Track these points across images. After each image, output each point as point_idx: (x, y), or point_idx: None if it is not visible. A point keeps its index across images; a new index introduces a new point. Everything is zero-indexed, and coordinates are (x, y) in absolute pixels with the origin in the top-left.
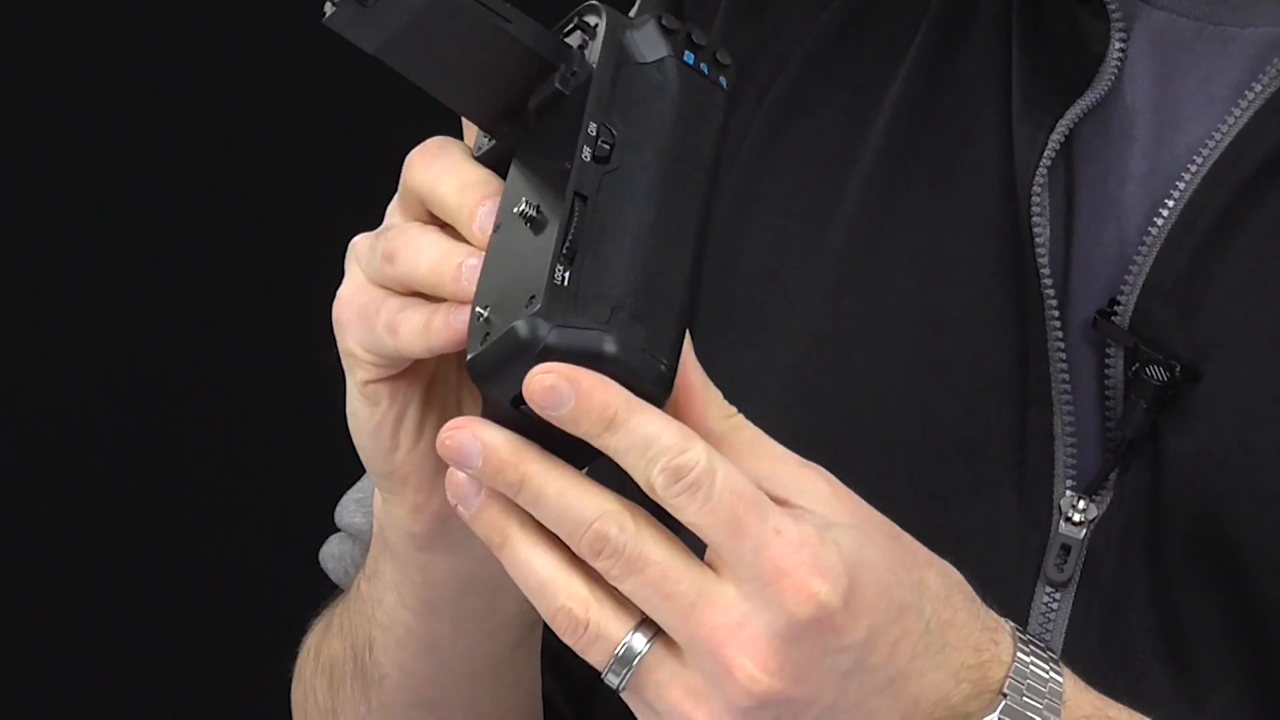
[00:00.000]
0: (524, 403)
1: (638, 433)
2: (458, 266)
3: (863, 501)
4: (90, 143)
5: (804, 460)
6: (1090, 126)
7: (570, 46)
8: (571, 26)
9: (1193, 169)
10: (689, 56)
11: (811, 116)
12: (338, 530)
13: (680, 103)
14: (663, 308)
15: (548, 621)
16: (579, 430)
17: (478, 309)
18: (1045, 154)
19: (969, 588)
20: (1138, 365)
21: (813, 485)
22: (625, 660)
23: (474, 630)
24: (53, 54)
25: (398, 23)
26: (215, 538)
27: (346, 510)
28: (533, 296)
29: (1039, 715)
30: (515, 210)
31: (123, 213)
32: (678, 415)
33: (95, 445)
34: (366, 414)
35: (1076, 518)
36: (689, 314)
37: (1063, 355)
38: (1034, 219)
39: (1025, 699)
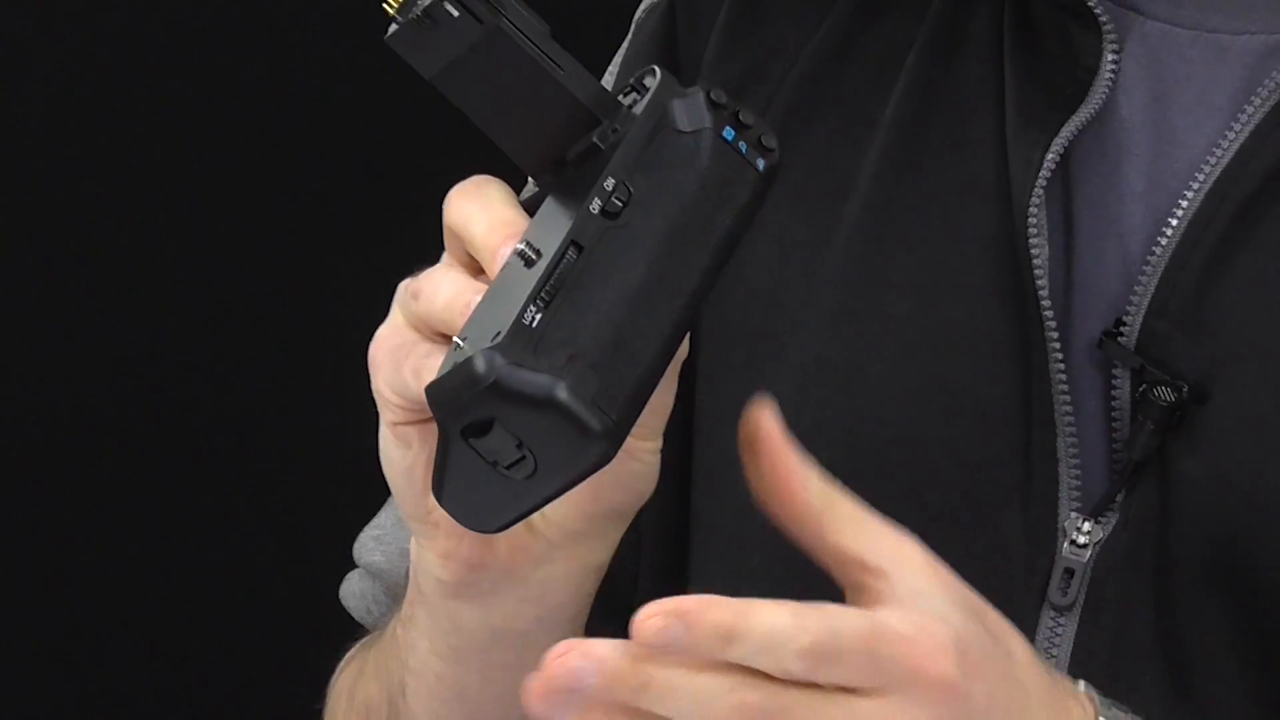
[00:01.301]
0: (474, 435)
1: (759, 635)
2: (466, 305)
3: (952, 573)
4: (97, 144)
5: (898, 528)
6: (1087, 142)
7: (620, 104)
8: (629, 88)
9: (1195, 186)
10: (729, 133)
11: (807, 142)
12: (353, 564)
13: (707, 175)
14: (626, 366)
15: None
16: (699, 652)
17: (456, 339)
18: (1041, 172)
19: (1039, 657)
20: (1145, 386)
21: (910, 556)
22: None
23: (503, 680)
24: (64, 56)
25: (454, 52)
26: (219, 540)
27: (365, 549)
28: (499, 333)
29: None
30: (517, 250)
31: (133, 215)
32: (777, 492)
33: (99, 447)
34: (398, 456)
35: (1081, 540)
36: (655, 380)
37: (1063, 376)
38: (1031, 239)
39: None
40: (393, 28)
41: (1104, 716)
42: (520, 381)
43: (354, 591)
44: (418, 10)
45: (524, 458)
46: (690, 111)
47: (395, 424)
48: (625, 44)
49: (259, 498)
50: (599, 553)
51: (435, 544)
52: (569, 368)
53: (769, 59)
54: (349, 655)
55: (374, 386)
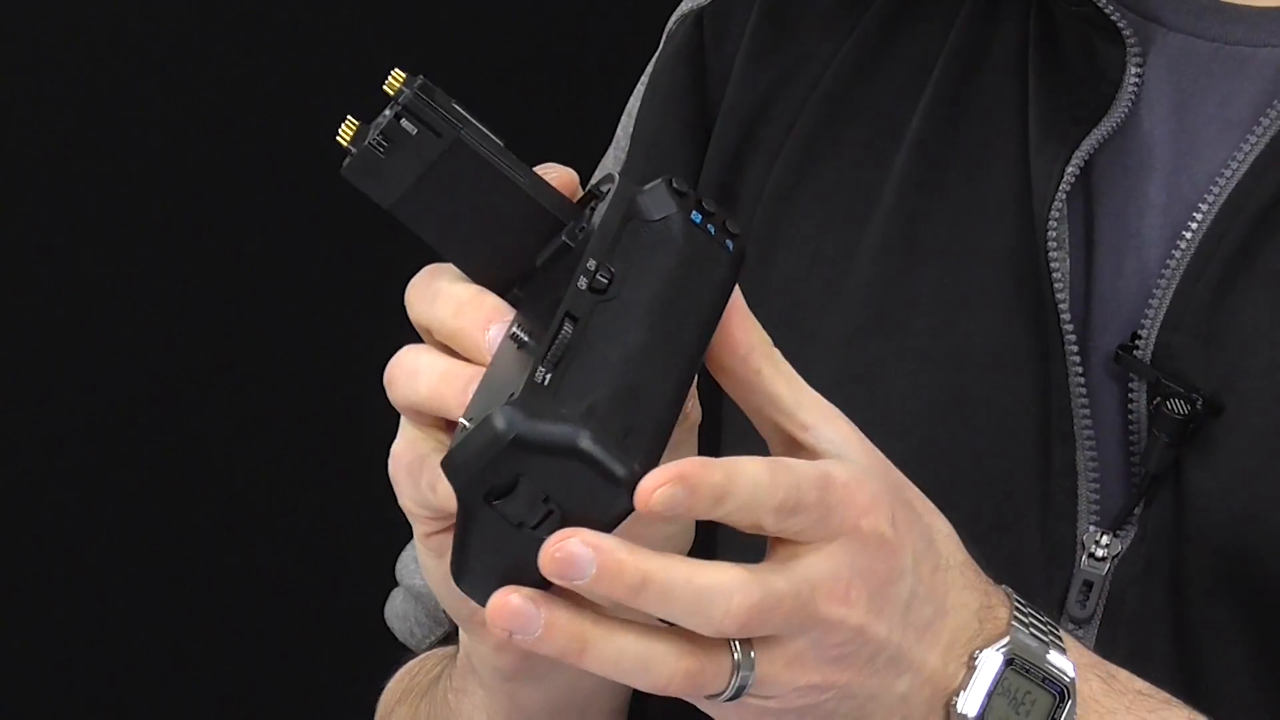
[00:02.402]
0: (496, 498)
1: (745, 492)
2: (463, 393)
3: (875, 448)
4: (102, 146)
5: (831, 406)
6: (1108, 155)
7: (581, 209)
8: (589, 193)
9: (1210, 199)
10: (696, 216)
11: (833, 155)
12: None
13: (684, 253)
14: (644, 415)
15: (662, 691)
16: (695, 515)
17: (463, 420)
18: (1062, 185)
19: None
20: (1159, 400)
21: (838, 424)
22: (743, 674)
23: None
24: (70, 58)
25: (413, 174)
26: (222, 541)
27: (407, 570)
28: (512, 394)
29: (1045, 648)
30: (509, 334)
31: (135, 215)
32: (726, 338)
33: (104, 448)
34: (434, 565)
35: (1100, 553)
36: (671, 427)
37: (1083, 390)
38: (1051, 252)
39: (1032, 634)
40: (347, 160)
41: (1018, 610)
42: (543, 433)
43: (398, 613)
44: (374, 136)
45: (551, 513)
46: (656, 201)
47: (427, 535)
48: (657, 54)
49: (264, 500)
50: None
51: (485, 639)
52: (589, 416)
53: (796, 71)
54: (398, 675)
55: (400, 503)
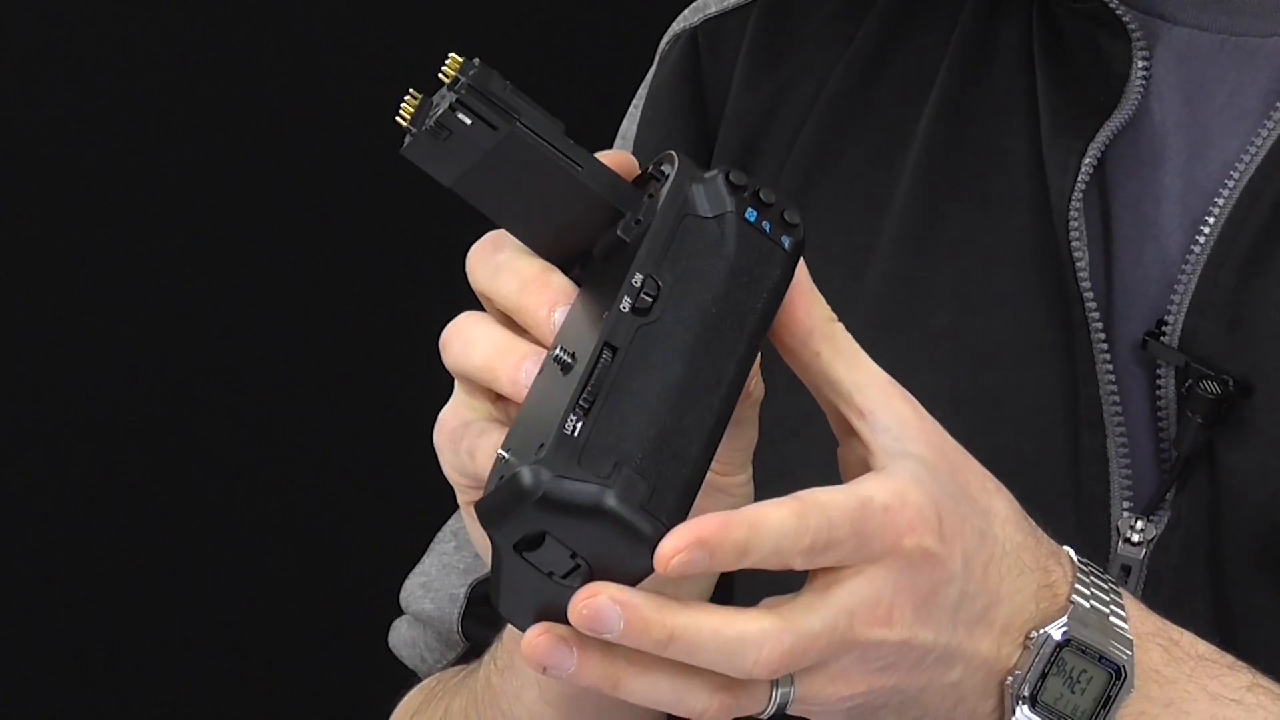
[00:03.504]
0: (527, 548)
1: (770, 543)
2: (516, 368)
3: (940, 428)
4: (103, 145)
5: (892, 380)
6: (1121, 148)
7: (639, 194)
8: (648, 175)
9: (1230, 184)
10: (751, 214)
11: (840, 160)
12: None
13: (734, 260)
14: (673, 467)
15: (700, 719)
16: (719, 569)
17: (501, 451)
18: (1079, 178)
19: (1025, 514)
20: (1190, 382)
21: (897, 406)
22: (783, 692)
23: (620, 717)
24: (71, 58)
25: (470, 160)
26: (222, 541)
27: (414, 597)
28: (542, 444)
29: (1106, 622)
30: (553, 355)
31: (138, 217)
32: (788, 315)
33: (106, 448)
34: (479, 533)
35: (1135, 538)
36: (703, 474)
37: (1112, 378)
38: (1073, 244)
39: (1093, 605)
40: (408, 139)
41: (1079, 581)
42: (568, 493)
43: (405, 640)
44: (431, 121)
45: (578, 566)
46: (711, 196)
47: (468, 503)
48: (650, 75)
49: (264, 500)
50: (701, 583)
51: None
52: (616, 474)
53: (796, 82)
54: (407, 700)
55: (443, 470)
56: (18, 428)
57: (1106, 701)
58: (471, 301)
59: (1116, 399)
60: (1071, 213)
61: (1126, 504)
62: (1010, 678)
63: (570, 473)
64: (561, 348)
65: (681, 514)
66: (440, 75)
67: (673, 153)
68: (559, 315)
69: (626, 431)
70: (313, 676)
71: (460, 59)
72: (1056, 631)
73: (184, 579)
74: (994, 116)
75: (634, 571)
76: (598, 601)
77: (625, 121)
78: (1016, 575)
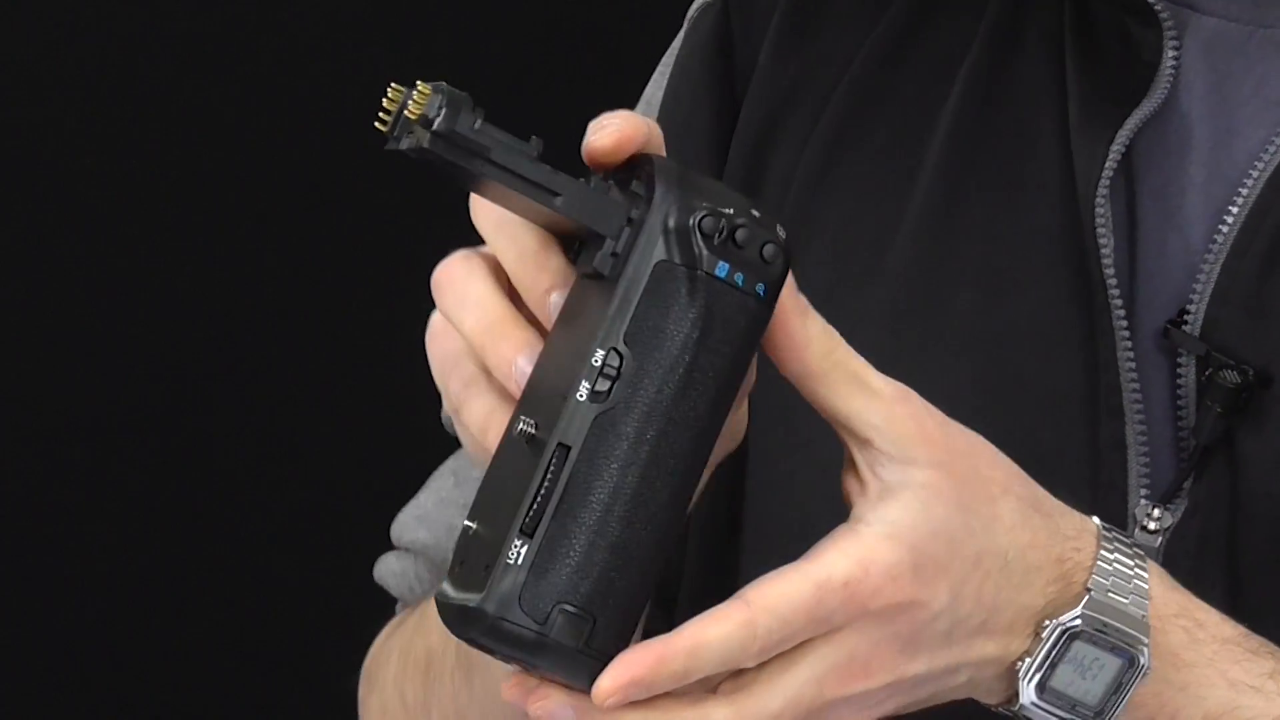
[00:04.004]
0: (476, 645)
1: (715, 660)
2: (508, 363)
3: (948, 433)
4: (102, 145)
5: (897, 395)
6: (1148, 136)
7: (621, 206)
8: (629, 190)
9: (1254, 176)
10: (722, 269)
11: (865, 141)
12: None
13: (701, 325)
14: (615, 599)
15: None
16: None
17: (467, 521)
18: (1107, 165)
19: (1047, 499)
20: (1210, 371)
21: (898, 428)
22: None
23: None
24: (71, 58)
25: (454, 178)
26: (221, 541)
27: (407, 528)
28: (488, 566)
29: (1123, 608)
30: (519, 428)
31: (139, 218)
32: (778, 355)
33: (106, 448)
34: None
35: (1152, 526)
36: (656, 571)
37: (1133, 366)
38: (1099, 231)
39: (1110, 594)
40: (389, 143)
41: (1102, 559)
42: (507, 633)
43: (393, 570)
44: (402, 146)
45: (533, 666)
46: (683, 249)
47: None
48: (678, 41)
49: (264, 500)
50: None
51: None
52: (554, 615)
53: (825, 61)
54: (389, 627)
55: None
56: (18, 428)
57: (1119, 688)
58: None
59: (1137, 387)
60: (1098, 200)
61: (1144, 491)
62: (1020, 663)
63: (509, 614)
64: (525, 420)
65: (627, 634)
66: (407, 114)
67: (653, 164)
68: (555, 299)
69: (572, 558)
70: (313, 676)
71: (427, 89)
72: (1068, 622)
73: (183, 579)
74: (1021, 102)
75: (581, 683)
76: (549, 703)
77: (650, 86)
78: (1020, 577)
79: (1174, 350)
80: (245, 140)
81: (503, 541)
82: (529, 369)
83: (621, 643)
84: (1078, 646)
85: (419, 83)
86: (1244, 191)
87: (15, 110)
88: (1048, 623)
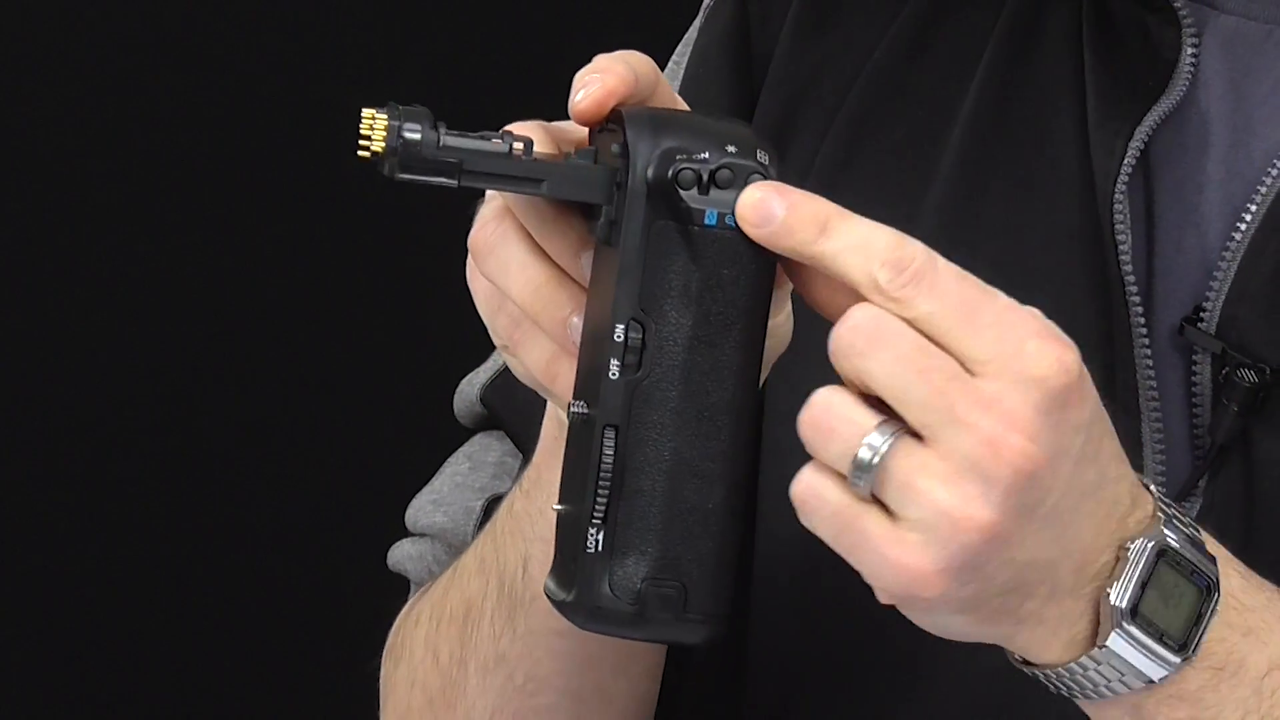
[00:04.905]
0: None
1: (854, 234)
2: (561, 325)
3: (1059, 344)
4: (104, 145)
5: (1004, 310)
6: (1166, 133)
7: (605, 172)
8: (605, 129)
9: (1273, 173)
10: (711, 216)
11: (883, 134)
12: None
13: (703, 277)
14: (700, 560)
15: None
16: (793, 241)
17: (556, 506)
18: (1125, 162)
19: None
20: (1227, 369)
21: (1014, 346)
22: (869, 456)
23: None
24: (71, 58)
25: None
26: (224, 540)
27: (423, 513)
28: (575, 557)
29: (1193, 535)
30: (573, 410)
31: (140, 217)
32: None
33: (104, 448)
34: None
35: None
36: (738, 538)
37: (1149, 363)
38: (1117, 228)
39: (1175, 522)
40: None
41: (1161, 500)
42: (610, 620)
43: (410, 555)
44: (385, 169)
45: (646, 638)
46: (668, 205)
47: None
48: (696, 26)
49: (263, 500)
50: (650, 658)
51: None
52: (644, 599)
53: (841, 52)
54: (409, 604)
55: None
56: (18, 428)
57: (1198, 619)
58: (469, 300)
59: (1153, 384)
60: (1117, 196)
61: (1160, 489)
62: (1110, 587)
63: (603, 602)
64: (576, 401)
65: (721, 596)
66: (364, 152)
67: (624, 119)
68: (576, 322)
69: (646, 534)
70: (313, 676)
71: (382, 118)
72: (1152, 541)
73: (183, 578)
74: (1041, 96)
75: (693, 642)
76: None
77: (670, 66)
78: (1121, 462)
79: (1189, 348)
80: (245, 140)
81: (582, 529)
82: (581, 324)
83: (720, 598)
84: (1162, 570)
85: (367, 111)
86: (1262, 190)
87: (15, 110)
88: (1129, 543)
